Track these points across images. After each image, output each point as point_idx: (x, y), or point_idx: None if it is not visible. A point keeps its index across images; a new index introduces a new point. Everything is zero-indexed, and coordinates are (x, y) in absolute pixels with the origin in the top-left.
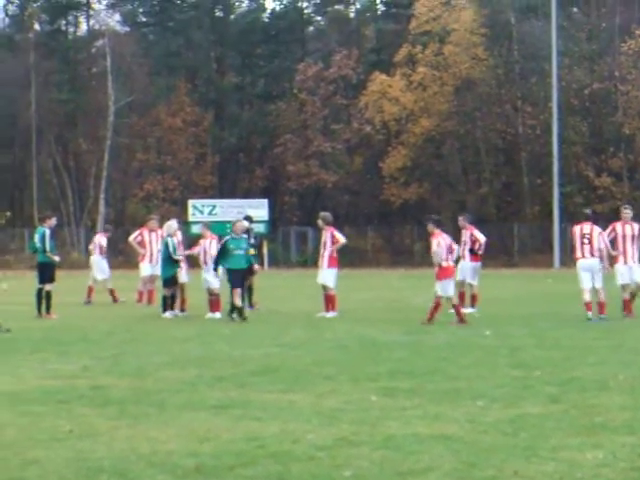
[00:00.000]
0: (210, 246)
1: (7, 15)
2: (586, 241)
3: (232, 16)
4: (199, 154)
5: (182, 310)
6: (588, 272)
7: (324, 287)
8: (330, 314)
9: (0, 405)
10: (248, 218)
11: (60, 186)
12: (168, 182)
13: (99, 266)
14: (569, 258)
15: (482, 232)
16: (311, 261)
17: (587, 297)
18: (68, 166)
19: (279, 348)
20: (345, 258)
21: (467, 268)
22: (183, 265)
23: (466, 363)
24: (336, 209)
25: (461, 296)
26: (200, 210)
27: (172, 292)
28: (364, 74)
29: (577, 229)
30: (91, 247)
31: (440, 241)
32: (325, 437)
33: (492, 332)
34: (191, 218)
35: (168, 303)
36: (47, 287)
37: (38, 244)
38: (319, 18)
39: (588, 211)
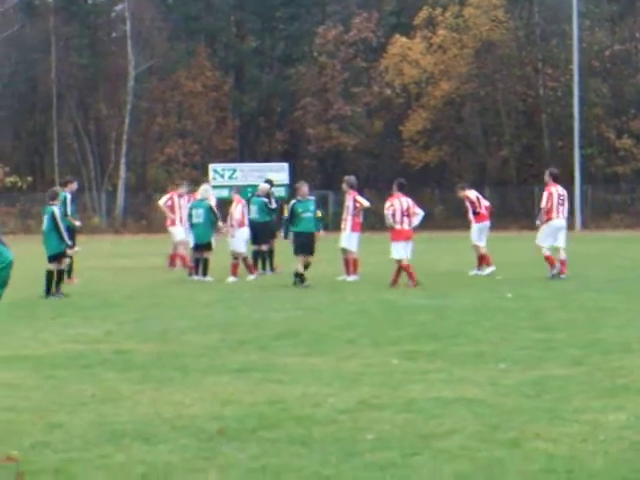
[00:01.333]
0: (236, 210)
1: None
2: (562, 202)
3: None
4: (219, 118)
5: (197, 274)
6: (558, 232)
7: (344, 250)
8: (351, 278)
9: (25, 369)
10: (269, 182)
11: (81, 151)
12: (189, 146)
13: (177, 229)
14: (590, 219)
15: (502, 194)
16: (332, 225)
17: (549, 252)
18: (89, 131)
19: (301, 312)
20: (366, 221)
21: (473, 230)
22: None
23: (489, 326)
24: (356, 172)
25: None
26: (221, 174)
27: (207, 256)
28: (384, 37)
29: (554, 190)
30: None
31: (394, 203)
32: (347, 400)
33: (514, 295)
34: (212, 182)
35: (207, 266)
36: (68, 252)
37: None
38: None
39: (556, 171)
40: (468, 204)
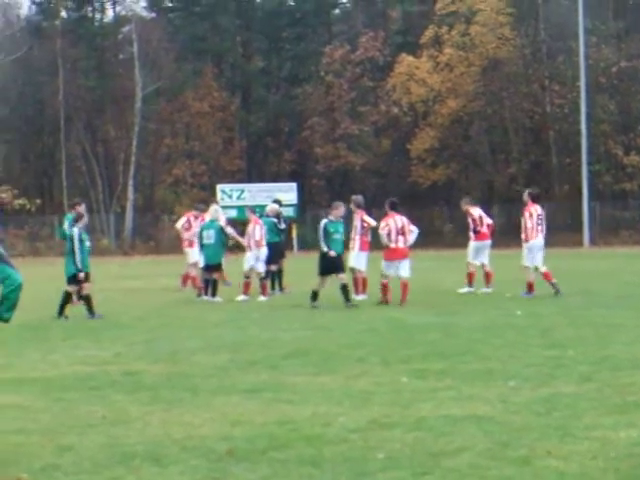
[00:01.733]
0: (254, 230)
1: (34, 2)
2: (540, 222)
3: (258, 0)
4: (227, 138)
5: (206, 294)
6: (539, 251)
7: (352, 270)
8: (360, 297)
9: (34, 392)
10: (277, 202)
11: (89, 173)
12: (196, 167)
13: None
14: (598, 236)
15: (509, 211)
16: None
17: (533, 277)
18: (97, 153)
19: (310, 331)
20: (374, 240)
21: (470, 248)
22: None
23: (498, 344)
24: (364, 191)
25: (486, 276)
26: (229, 195)
27: (216, 277)
28: (391, 56)
29: (533, 210)
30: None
31: (389, 222)
32: (357, 419)
33: (523, 312)
34: (220, 203)
35: (217, 287)
36: (81, 276)
37: (68, 231)
38: (345, 0)
39: (535, 191)
40: (470, 221)
